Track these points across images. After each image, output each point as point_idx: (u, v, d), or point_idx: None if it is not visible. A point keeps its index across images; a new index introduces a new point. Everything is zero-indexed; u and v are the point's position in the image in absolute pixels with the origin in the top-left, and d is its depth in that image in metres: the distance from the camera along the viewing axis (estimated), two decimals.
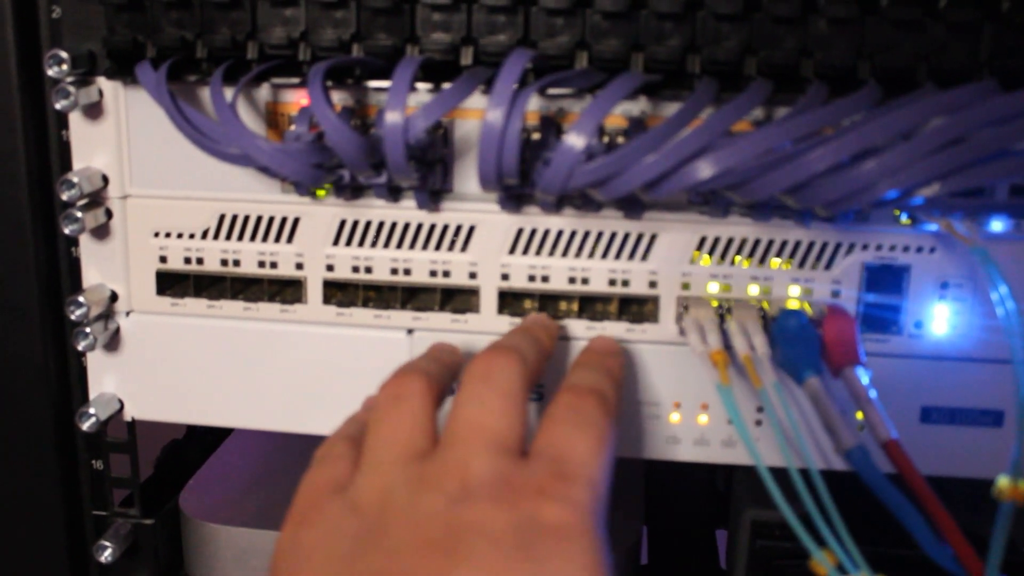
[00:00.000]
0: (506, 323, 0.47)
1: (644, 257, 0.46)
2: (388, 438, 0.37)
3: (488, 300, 0.47)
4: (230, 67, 0.44)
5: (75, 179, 0.46)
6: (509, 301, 0.48)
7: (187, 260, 0.49)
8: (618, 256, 0.46)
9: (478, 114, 0.44)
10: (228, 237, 0.48)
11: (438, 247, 0.47)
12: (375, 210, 0.47)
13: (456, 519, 0.33)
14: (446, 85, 0.41)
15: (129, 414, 0.51)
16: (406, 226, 0.47)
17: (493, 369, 0.38)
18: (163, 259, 0.49)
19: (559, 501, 0.33)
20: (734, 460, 0.48)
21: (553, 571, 0.31)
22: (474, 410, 0.37)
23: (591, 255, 0.46)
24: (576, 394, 0.39)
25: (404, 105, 0.39)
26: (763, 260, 0.46)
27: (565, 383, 0.40)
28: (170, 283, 0.49)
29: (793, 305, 0.46)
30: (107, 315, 0.50)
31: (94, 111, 0.47)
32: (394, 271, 0.47)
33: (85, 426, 0.49)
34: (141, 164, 0.48)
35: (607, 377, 0.41)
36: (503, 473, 0.34)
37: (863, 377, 0.41)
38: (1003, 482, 0.39)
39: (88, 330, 0.48)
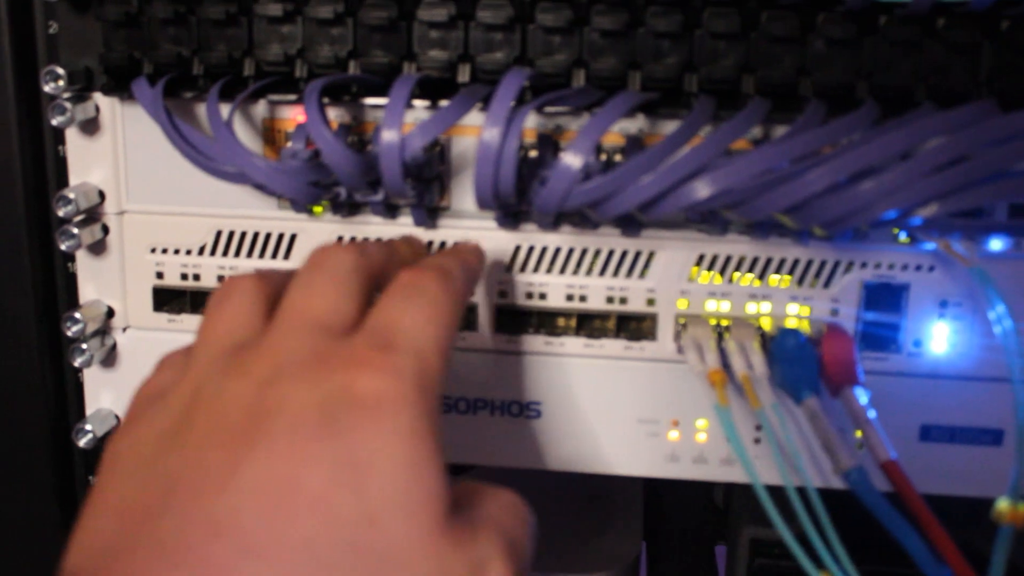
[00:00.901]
0: (503, 341, 0.47)
1: (642, 274, 0.46)
2: (209, 336, 0.34)
3: (485, 318, 0.47)
4: (227, 84, 0.44)
5: (72, 195, 0.46)
6: (506, 319, 0.47)
7: (184, 276, 0.48)
8: (616, 273, 0.46)
9: (475, 131, 0.44)
10: (225, 253, 0.48)
11: None
12: (372, 227, 0.47)
13: (260, 402, 0.30)
14: (443, 103, 0.41)
15: None
16: None
17: (329, 257, 0.35)
18: (160, 275, 0.49)
19: (376, 370, 0.30)
20: (733, 478, 0.48)
21: (358, 443, 0.28)
22: (299, 293, 0.34)
23: (589, 272, 0.46)
24: (416, 271, 0.35)
25: (401, 123, 0.39)
26: (762, 278, 0.46)
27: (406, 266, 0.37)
28: (167, 299, 0.49)
29: (791, 324, 0.45)
30: (104, 331, 0.50)
31: (91, 127, 0.47)
32: None
33: (82, 443, 0.49)
34: (138, 180, 0.48)
35: (458, 262, 0.38)
36: (319, 350, 0.31)
37: (862, 397, 0.41)
38: (1003, 505, 0.38)
39: (85, 346, 0.48)
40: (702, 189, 0.37)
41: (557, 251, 0.46)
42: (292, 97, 0.45)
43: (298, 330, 0.32)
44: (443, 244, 0.46)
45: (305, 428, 0.29)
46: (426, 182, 0.44)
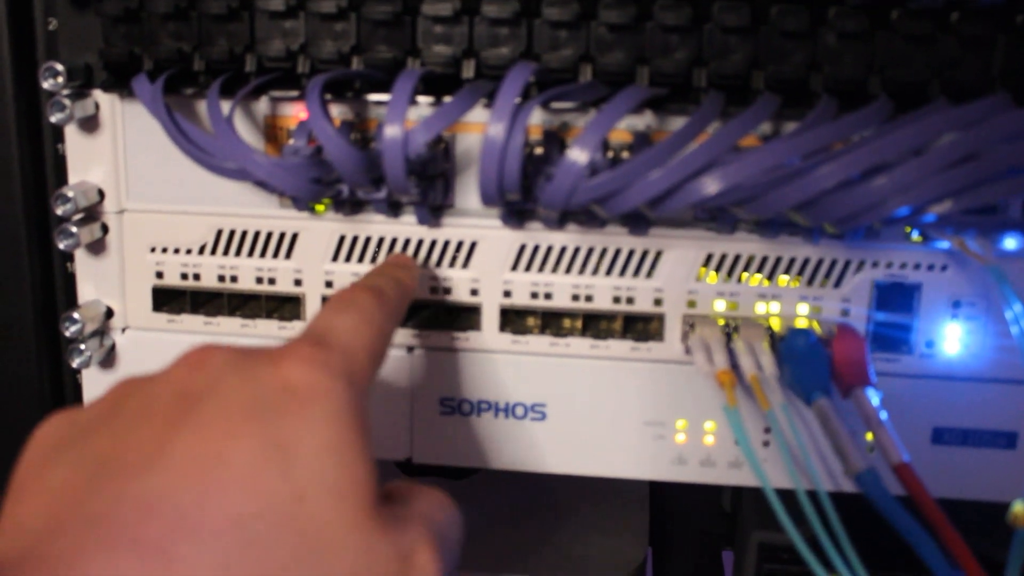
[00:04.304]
0: (508, 341, 0.47)
1: (649, 274, 0.45)
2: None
3: (490, 318, 0.46)
4: (228, 80, 0.43)
5: (71, 193, 0.45)
6: (511, 319, 0.47)
7: (184, 276, 0.48)
8: (623, 273, 0.45)
9: (480, 128, 0.44)
10: (226, 253, 0.47)
11: (439, 263, 0.46)
12: (375, 225, 0.46)
13: (190, 385, 0.31)
14: (447, 99, 0.40)
15: None
16: (406, 242, 0.46)
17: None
18: (159, 275, 0.48)
19: (306, 362, 0.31)
20: (741, 482, 0.47)
21: (286, 426, 0.29)
22: None
23: (595, 272, 0.46)
24: (351, 289, 0.38)
25: (404, 119, 0.38)
26: (771, 278, 0.45)
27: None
28: (167, 299, 0.48)
29: (801, 324, 0.45)
30: (102, 332, 0.49)
31: (90, 124, 0.46)
32: None
33: None
34: (138, 178, 0.47)
35: (391, 280, 0.40)
36: (252, 350, 0.32)
37: (873, 398, 0.40)
38: (1018, 508, 0.38)
39: (83, 347, 0.47)
40: (712, 185, 0.37)
41: (563, 250, 0.45)
42: (294, 93, 0.44)
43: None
44: (446, 244, 0.46)
45: (234, 409, 0.29)
46: (430, 179, 0.43)
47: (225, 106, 0.42)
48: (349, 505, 0.29)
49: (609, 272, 0.46)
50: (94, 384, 0.50)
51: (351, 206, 0.46)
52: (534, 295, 0.46)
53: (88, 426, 0.31)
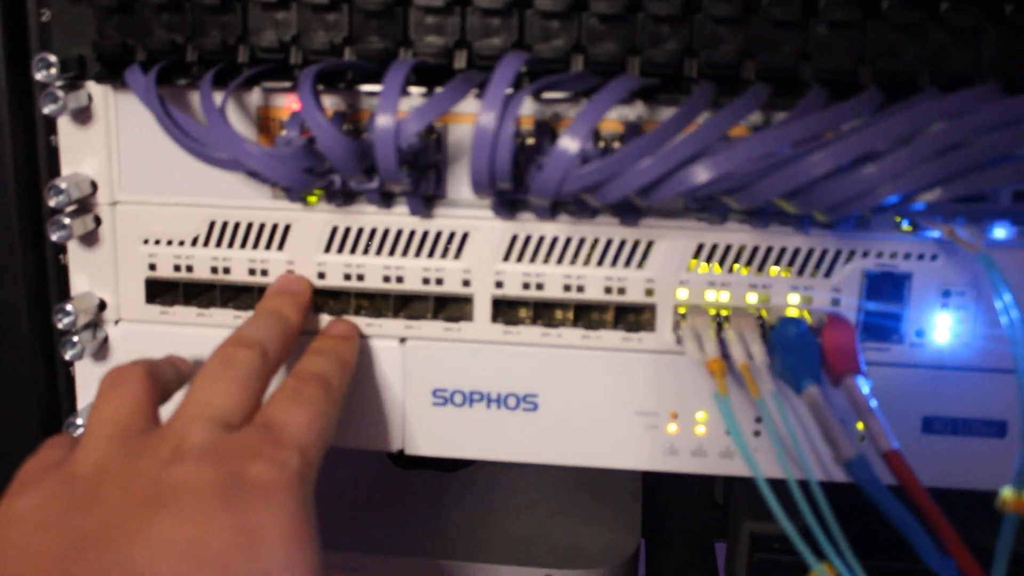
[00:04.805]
0: (500, 332, 0.47)
1: (640, 265, 0.46)
2: (105, 417, 0.39)
3: (482, 308, 0.47)
4: (220, 71, 0.43)
5: (63, 185, 0.45)
6: (503, 309, 0.47)
7: (177, 268, 0.48)
8: (614, 263, 0.46)
9: (472, 119, 0.44)
10: (219, 244, 0.47)
11: (431, 254, 0.46)
12: (367, 216, 0.46)
13: (165, 477, 0.35)
14: (439, 89, 0.40)
15: None
16: (399, 233, 0.46)
17: (232, 357, 0.41)
18: (152, 267, 0.48)
19: (267, 462, 0.36)
20: (732, 471, 0.48)
21: (254, 521, 0.34)
22: (203, 391, 0.39)
23: (586, 262, 0.46)
24: (299, 379, 0.42)
25: (396, 109, 0.38)
26: (762, 268, 0.45)
27: (292, 369, 0.43)
28: (159, 291, 0.49)
29: (792, 313, 0.45)
30: (95, 324, 0.49)
31: (83, 116, 0.46)
32: (386, 279, 0.47)
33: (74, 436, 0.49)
34: (131, 170, 0.47)
35: (335, 363, 0.44)
36: (217, 440, 0.37)
37: (863, 386, 0.41)
38: (1007, 494, 0.38)
39: (76, 339, 0.48)
40: (702, 173, 0.37)
41: (554, 240, 0.46)
42: (287, 84, 0.44)
43: (200, 421, 0.38)
44: (438, 234, 0.46)
45: (209, 501, 0.34)
46: (422, 169, 0.44)
47: (218, 97, 0.42)
48: None
49: (600, 263, 0.46)
50: (87, 376, 0.50)
51: (343, 197, 0.46)
52: (526, 286, 0.46)
53: (67, 506, 0.35)
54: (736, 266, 0.45)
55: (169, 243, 0.48)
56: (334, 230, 0.46)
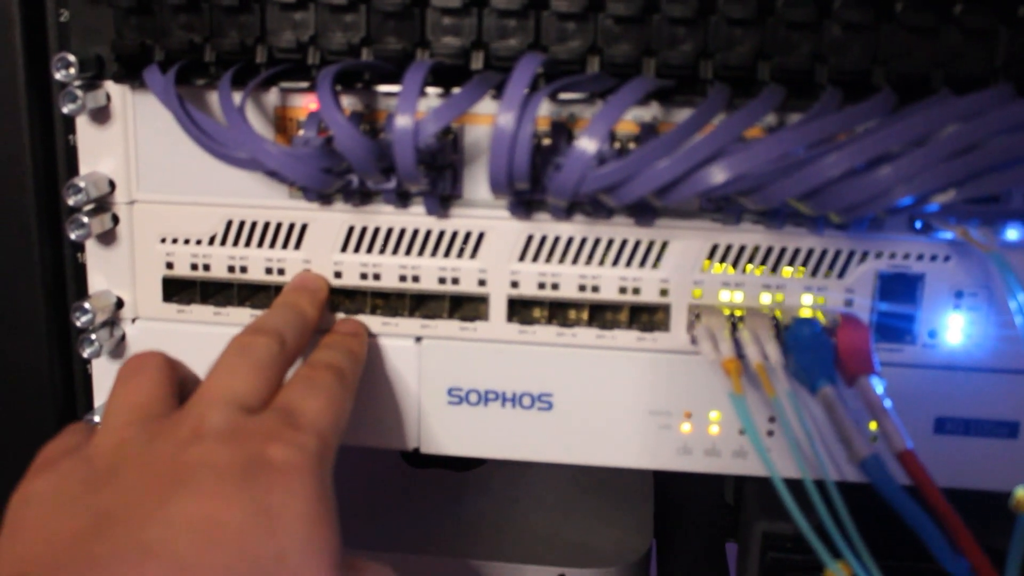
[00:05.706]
0: (515, 331, 0.47)
1: (655, 265, 0.46)
2: (124, 402, 0.39)
3: (497, 308, 0.47)
4: (239, 71, 0.44)
5: (82, 184, 0.46)
6: (518, 309, 0.47)
7: (194, 266, 0.48)
8: (629, 264, 0.46)
9: (488, 119, 0.44)
10: (236, 243, 0.48)
11: (447, 254, 0.47)
12: (384, 216, 0.46)
13: (184, 457, 0.35)
14: (456, 90, 0.41)
15: None
16: (415, 232, 0.46)
17: (250, 344, 0.41)
18: (170, 265, 0.48)
19: (286, 444, 0.36)
20: (746, 471, 0.48)
21: (274, 501, 0.34)
22: (222, 376, 0.40)
23: (602, 263, 0.46)
24: (313, 367, 0.42)
25: (415, 108, 0.39)
26: (776, 268, 0.45)
27: (306, 360, 0.43)
28: (177, 289, 0.49)
29: (806, 314, 0.45)
30: (113, 322, 0.49)
31: (101, 115, 0.47)
32: (403, 278, 0.47)
33: None
34: (148, 169, 0.47)
35: (347, 355, 0.44)
36: (236, 422, 0.37)
37: (877, 386, 0.41)
38: (1021, 493, 0.38)
39: (93, 337, 0.48)
40: (718, 174, 0.37)
41: (570, 241, 0.46)
42: (304, 84, 0.45)
43: (219, 404, 0.38)
44: (455, 234, 0.46)
45: (226, 479, 0.35)
46: (439, 170, 0.44)
47: (236, 97, 0.43)
48: (321, 564, 0.35)
49: (615, 263, 0.46)
50: (104, 374, 0.50)
51: (360, 197, 0.46)
52: (541, 285, 0.46)
53: (84, 486, 0.36)
54: (750, 266, 0.45)
55: (186, 242, 0.48)
56: (351, 230, 0.47)
